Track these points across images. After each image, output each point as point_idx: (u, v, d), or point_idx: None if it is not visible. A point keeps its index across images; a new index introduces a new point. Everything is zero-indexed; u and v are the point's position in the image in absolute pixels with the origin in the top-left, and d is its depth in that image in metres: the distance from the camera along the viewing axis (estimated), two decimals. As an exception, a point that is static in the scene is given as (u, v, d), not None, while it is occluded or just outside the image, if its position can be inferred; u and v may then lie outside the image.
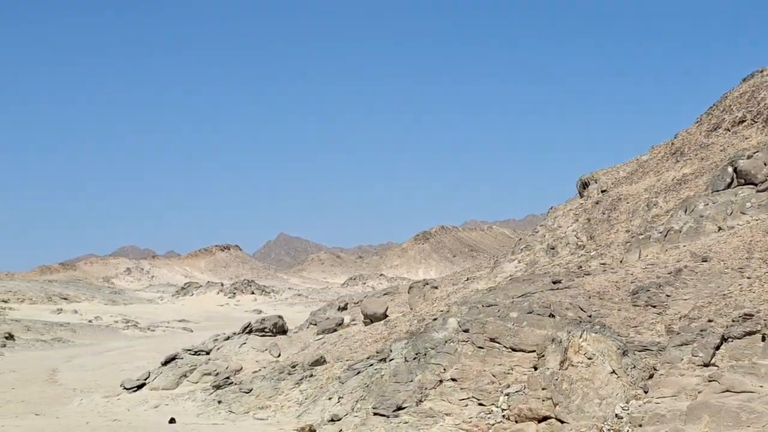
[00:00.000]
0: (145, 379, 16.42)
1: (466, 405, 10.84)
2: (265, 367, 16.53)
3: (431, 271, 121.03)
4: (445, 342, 11.87)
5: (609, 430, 9.79)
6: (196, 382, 16.22)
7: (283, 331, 18.11)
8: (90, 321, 44.39)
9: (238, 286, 59.51)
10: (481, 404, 10.75)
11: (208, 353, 16.99)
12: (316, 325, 18.99)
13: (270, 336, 17.80)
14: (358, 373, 12.67)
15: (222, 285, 61.58)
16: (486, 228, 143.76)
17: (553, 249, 15.45)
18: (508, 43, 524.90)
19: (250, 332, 17.87)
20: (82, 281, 76.02)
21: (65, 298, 53.74)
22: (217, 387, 14.98)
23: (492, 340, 11.52)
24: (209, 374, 16.27)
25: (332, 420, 11.89)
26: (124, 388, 16.34)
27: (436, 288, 17.80)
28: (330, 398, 12.75)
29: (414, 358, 11.99)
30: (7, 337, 32.98)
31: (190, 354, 16.96)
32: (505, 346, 11.38)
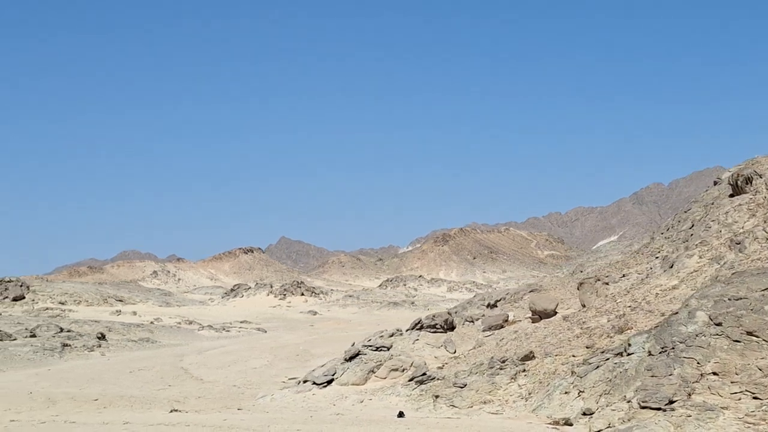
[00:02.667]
0: (333, 375, 16.64)
1: (740, 399, 11.10)
2: (447, 363, 16.77)
3: (452, 273, 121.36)
4: (696, 336, 12.14)
5: None
6: (384, 378, 16.44)
7: (452, 327, 18.36)
8: (152, 322, 44.48)
9: (288, 288, 59.66)
10: (756, 398, 11.02)
11: (388, 349, 17.22)
12: (473, 322, 19.23)
13: (441, 332, 18.05)
14: (597, 367, 12.92)
15: (271, 286, 61.73)
16: (503, 230, 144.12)
17: (739, 244, 15.72)
18: (509, 45, 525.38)
19: (420, 329, 18.11)
20: (132, 283, 76.08)
21: (120, 300, 53.86)
22: (421, 382, 15.21)
23: (749, 333, 11.80)
24: (396, 370, 16.49)
25: (585, 413, 12.14)
26: (314, 384, 16.56)
27: (607, 284, 18.05)
28: (566, 392, 12.98)
29: (661, 352, 12.25)
30: (100, 338, 33.16)
31: (371, 350, 17.18)
32: (764, 340, 11.66)
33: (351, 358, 17.02)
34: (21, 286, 51.96)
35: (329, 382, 16.49)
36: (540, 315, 17.68)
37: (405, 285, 71.20)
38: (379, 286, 77.07)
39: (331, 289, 67.05)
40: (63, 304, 51.37)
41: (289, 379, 20.86)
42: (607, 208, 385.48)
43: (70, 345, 30.76)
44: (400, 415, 13.73)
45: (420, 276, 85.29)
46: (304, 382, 17.14)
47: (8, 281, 52.39)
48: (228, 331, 40.15)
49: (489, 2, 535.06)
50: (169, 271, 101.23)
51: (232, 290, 62.11)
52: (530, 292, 20.77)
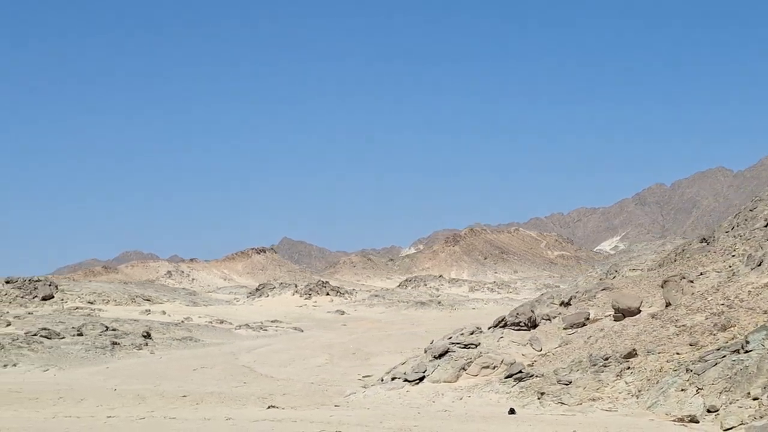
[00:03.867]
0: (424, 372, 16.70)
1: None
2: (535, 361, 16.84)
3: (463, 273, 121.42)
4: (817, 332, 12.24)
5: None
6: (476, 375, 16.49)
7: (535, 324, 18.43)
8: (182, 321, 44.48)
9: (313, 288, 59.70)
10: None
11: (476, 346, 17.28)
12: (549, 320, 19.29)
13: (525, 330, 18.12)
14: (715, 364, 12.98)
15: (296, 286, 61.78)
16: (513, 230, 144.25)
17: (830, 244, 15.83)
18: (510, 45, 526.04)
19: (504, 326, 18.18)
20: (155, 283, 76.11)
21: (148, 299, 53.88)
22: (519, 379, 15.28)
23: None
24: (487, 367, 16.55)
25: (710, 411, 12.21)
26: (406, 381, 16.62)
27: (692, 282, 18.12)
28: (682, 390, 13.04)
29: (781, 349, 12.35)
30: (145, 336, 33.20)
31: (459, 347, 17.23)
32: None
33: (440, 356, 17.07)
34: (49, 285, 51.96)
35: (421, 379, 16.55)
36: (623, 313, 17.74)
37: (426, 285, 71.26)
38: (399, 285, 77.10)
39: (355, 289, 67.10)
40: (92, 303, 51.37)
41: (364, 376, 20.92)
42: (609, 209, 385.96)
43: (119, 343, 30.81)
44: (511, 411, 13.78)
45: (440, 276, 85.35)
46: (393, 379, 17.18)
47: (36, 280, 52.37)
48: (265, 330, 40.18)
49: (492, 2, 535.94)
50: (183, 271, 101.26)
51: (257, 290, 62.14)
52: (602, 290, 20.82)
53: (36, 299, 50.03)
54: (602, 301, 20.08)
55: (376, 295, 59.54)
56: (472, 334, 18.73)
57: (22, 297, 49.52)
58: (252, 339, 36.63)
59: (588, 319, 18.30)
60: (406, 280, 77.01)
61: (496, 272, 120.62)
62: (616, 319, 17.95)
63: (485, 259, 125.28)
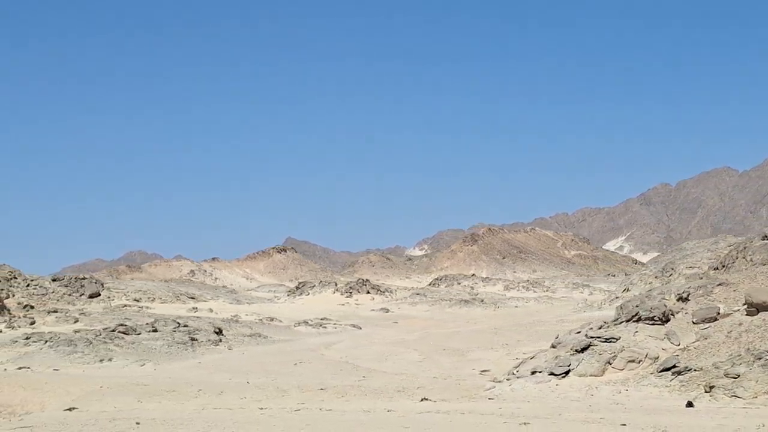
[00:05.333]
0: (568, 366, 16.68)
1: None
2: (677, 355, 16.81)
3: (482, 272, 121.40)
4: None
5: None
6: (622, 369, 16.46)
7: (668, 319, 18.40)
8: (232, 318, 44.45)
9: (354, 286, 59.70)
10: None
11: (617, 340, 17.26)
12: (673, 315, 19.23)
13: (659, 324, 18.10)
14: None
15: (336, 284, 61.76)
16: (529, 229, 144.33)
17: None
18: (513, 45, 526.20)
19: (638, 320, 18.16)
20: (193, 281, 76.11)
21: (192, 297, 53.86)
22: (678, 373, 15.27)
23: None
24: (633, 361, 16.53)
25: None
26: (551, 374, 16.60)
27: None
28: None
29: None
30: (217, 332, 33.16)
31: (601, 341, 17.22)
32: None
33: (582, 350, 17.05)
34: (95, 282, 51.91)
35: (566, 373, 16.53)
36: (758, 308, 17.72)
37: (459, 284, 71.26)
38: (430, 284, 77.07)
39: (396, 288, 67.09)
40: (138, 301, 51.35)
41: (482, 371, 20.91)
42: (614, 209, 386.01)
43: (196, 339, 30.77)
44: (689, 404, 13.76)
45: (473, 275, 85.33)
46: (533, 373, 17.16)
47: (83, 278, 52.33)
48: (324, 327, 40.16)
49: (492, 2, 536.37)
50: (205, 271, 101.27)
51: (296, 288, 62.11)
52: (718, 285, 20.79)
53: (83, 297, 49.96)
54: (722, 297, 20.04)
55: (417, 294, 59.53)
56: (600, 328, 18.71)
57: (69, 295, 49.44)
58: (316, 336, 36.59)
59: (719, 314, 18.27)
60: (437, 279, 76.98)
61: (514, 272, 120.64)
62: (749, 314, 17.92)
63: (503, 258, 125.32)
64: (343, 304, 55.99)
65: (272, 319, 44.46)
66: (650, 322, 17.90)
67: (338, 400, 16.40)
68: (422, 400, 15.86)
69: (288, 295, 60.30)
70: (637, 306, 20.24)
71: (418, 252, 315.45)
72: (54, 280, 51.01)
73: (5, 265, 50.09)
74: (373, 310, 52.56)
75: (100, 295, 50.88)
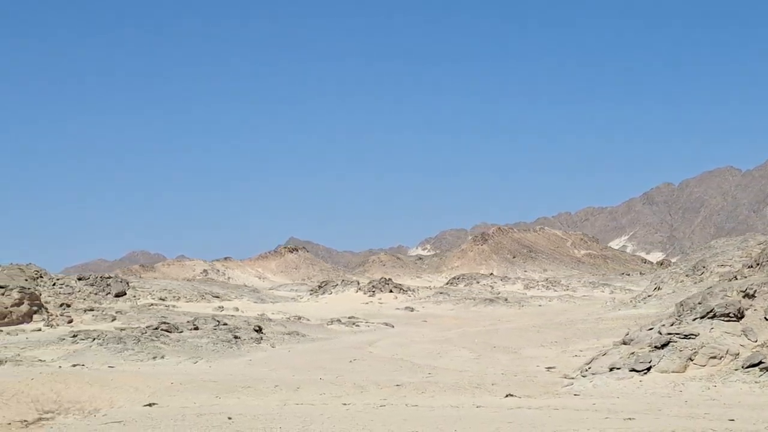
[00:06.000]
0: (649, 362, 16.66)
1: None
2: (756, 351, 16.79)
3: (493, 271, 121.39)
4: None
5: None
6: (704, 365, 16.43)
7: (742, 315, 18.38)
8: (260, 316, 44.41)
9: (376, 285, 59.65)
10: None
11: (696, 337, 17.24)
12: (758, 312, 19.20)
13: (734, 320, 18.06)
14: None
15: (358, 283, 61.73)
16: (538, 229, 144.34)
17: None
18: (516, 44, 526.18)
19: (713, 317, 18.13)
20: (215, 281, 76.11)
21: (217, 296, 53.84)
22: (766, 369, 15.26)
23: None
24: (714, 357, 16.51)
25: None
26: (633, 371, 16.59)
27: None
28: None
29: None
30: (257, 330, 33.12)
31: (680, 338, 17.19)
32: None
33: (662, 346, 17.03)
34: (121, 282, 51.86)
35: (648, 369, 16.51)
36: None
37: (478, 282, 71.20)
38: (448, 283, 77.03)
39: (418, 287, 67.06)
40: (163, 300, 51.34)
41: (548, 368, 20.87)
42: (617, 208, 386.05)
43: (239, 337, 30.73)
44: (785, 398, 13.73)
45: (491, 273, 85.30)
46: (611, 369, 17.14)
47: (108, 277, 52.29)
48: (357, 326, 40.11)
49: (492, 2, 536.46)
50: (218, 270, 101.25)
51: (319, 287, 62.08)
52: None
53: (109, 296, 49.91)
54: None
55: (441, 292, 59.49)
56: (672, 325, 18.68)
57: (95, 294, 49.40)
58: (352, 334, 36.54)
59: (788, 309, 18.23)
60: (455, 278, 76.94)
61: (525, 271, 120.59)
62: (821, 310, 17.89)
63: (514, 257, 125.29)
64: (366, 303, 55.94)
65: (300, 318, 44.38)
66: (725, 319, 17.86)
67: (420, 396, 16.37)
68: (507, 396, 15.82)
69: (311, 294, 60.23)
70: (699, 303, 20.23)
71: (421, 251, 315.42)
72: (80, 279, 50.96)
73: (31, 264, 50.02)
74: (397, 309, 52.51)
75: (125, 294, 50.84)
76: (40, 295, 37.79)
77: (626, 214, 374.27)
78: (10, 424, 17.02)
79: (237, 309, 49.17)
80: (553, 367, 20.58)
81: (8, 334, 31.75)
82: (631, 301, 41.32)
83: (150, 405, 16.71)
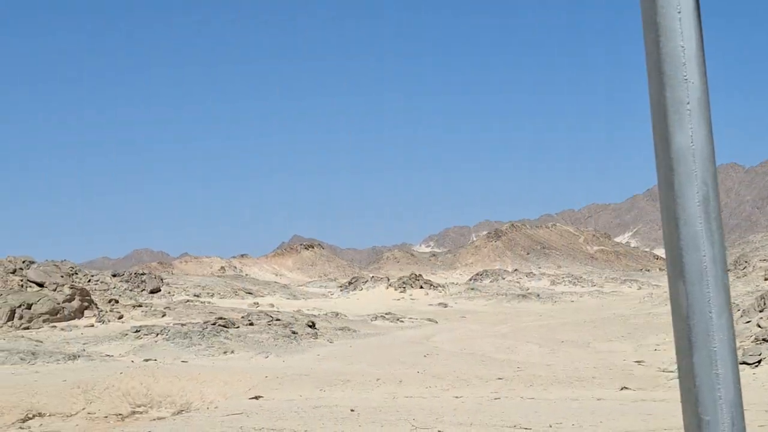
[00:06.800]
0: (759, 355, 16.61)
1: None
2: None
3: (507, 268, 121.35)
4: None
5: None
6: (812, 357, 16.43)
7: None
8: (297, 312, 44.31)
9: (407, 281, 59.60)
10: None
11: (799, 329, 17.23)
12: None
13: (834, 313, 18.06)
14: None
15: (388, 279, 61.67)
16: (550, 225, 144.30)
17: None
18: (519, 41, 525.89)
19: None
20: (244, 277, 76.09)
21: (249, 292, 53.80)
22: None
23: None
24: (823, 350, 16.51)
25: None
26: (744, 363, 16.53)
27: None
28: None
29: None
30: (310, 326, 33.04)
31: (784, 331, 17.19)
32: None
33: (765, 340, 17.00)
34: (155, 278, 51.82)
35: (758, 362, 16.45)
36: None
37: (503, 279, 71.15)
38: (470, 279, 76.96)
39: (447, 283, 67.02)
40: (197, 296, 51.30)
41: (636, 362, 20.80)
42: (620, 205, 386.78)
43: (297, 333, 30.66)
44: None
45: (515, 270, 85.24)
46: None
47: (141, 273, 52.24)
48: (402, 321, 40.05)
49: None
50: (235, 267, 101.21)
51: (349, 283, 62.03)
52: None
53: (144, 292, 49.90)
54: None
55: (472, 289, 59.45)
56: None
57: (130, 290, 49.39)
58: (399, 330, 36.47)
59: None
60: (478, 274, 76.91)
61: (539, 267, 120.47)
62: None
63: (528, 254, 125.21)
64: (398, 299, 55.90)
65: (337, 314, 44.34)
66: (826, 312, 17.80)
67: (530, 389, 16.29)
68: (622, 389, 15.74)
69: (341, 291, 60.15)
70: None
71: (425, 248, 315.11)
72: (114, 275, 50.92)
73: (66, 260, 49.97)
74: (430, 305, 52.46)
75: (160, 290, 50.82)
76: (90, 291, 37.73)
77: (630, 210, 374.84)
78: (106, 417, 17.00)
79: (272, 305, 49.10)
80: (642, 361, 20.49)
81: (62, 329, 31.70)
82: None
83: (256, 398, 16.64)
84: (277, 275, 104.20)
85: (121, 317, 34.53)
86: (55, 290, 33.60)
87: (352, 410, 14.36)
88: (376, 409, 14.42)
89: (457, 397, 15.67)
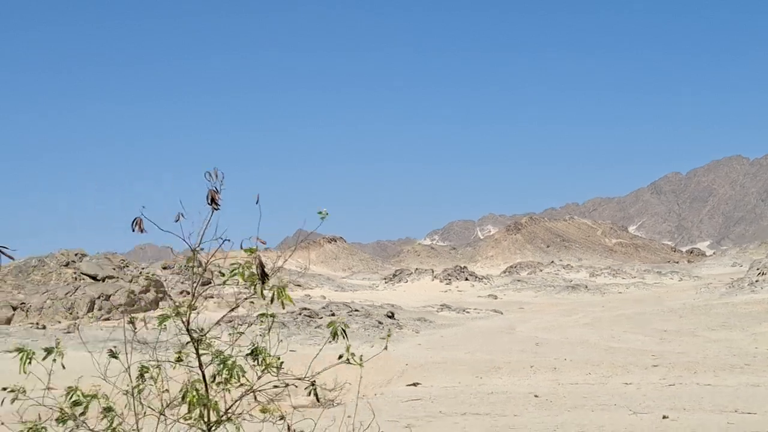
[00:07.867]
0: None
1: None
2: None
3: (531, 260, 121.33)
4: None
5: None
6: None
7: None
8: (351, 303, 44.10)
9: (452, 273, 59.55)
10: None
11: None
12: None
13: None
14: None
15: (433, 271, 61.64)
16: (568, 218, 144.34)
17: None
18: (522, 37, 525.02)
19: None
20: (286, 269, 76.21)
21: (298, 285, 53.69)
22: None
23: None
24: None
25: None
26: None
27: None
28: None
29: None
30: (389, 316, 32.95)
31: None
32: None
33: None
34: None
35: None
36: None
37: (541, 270, 71.15)
38: (504, 272, 76.96)
39: (493, 275, 66.98)
40: (248, 288, 51.17)
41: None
42: (625, 198, 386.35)
43: (382, 323, 30.58)
44: None
45: (552, 262, 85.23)
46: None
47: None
48: (468, 312, 39.98)
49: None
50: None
51: (393, 275, 62.02)
52: None
53: (195, 285, 49.72)
54: None
55: (518, 280, 59.40)
56: None
57: (182, 283, 49.21)
58: (471, 320, 36.37)
59: None
60: (513, 266, 76.87)
61: (560, 260, 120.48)
62: None
63: (548, 247, 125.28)
64: (444, 291, 55.83)
65: (393, 306, 44.26)
66: None
67: (699, 376, 16.17)
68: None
69: (386, 283, 60.08)
70: None
71: (430, 242, 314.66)
72: (164, 268, 50.78)
73: (116, 253, 49.82)
74: (479, 296, 52.41)
75: (210, 282, 50.57)
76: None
77: (634, 203, 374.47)
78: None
79: (324, 297, 49.08)
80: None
81: (140, 320, 31.62)
82: (737, 286, 41.07)
83: (414, 384, 16.55)
84: (301, 269, 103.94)
85: (195, 308, 34.39)
86: (131, 281, 33.48)
87: (536, 396, 14.25)
88: (560, 396, 14.31)
89: (625, 384, 15.56)
